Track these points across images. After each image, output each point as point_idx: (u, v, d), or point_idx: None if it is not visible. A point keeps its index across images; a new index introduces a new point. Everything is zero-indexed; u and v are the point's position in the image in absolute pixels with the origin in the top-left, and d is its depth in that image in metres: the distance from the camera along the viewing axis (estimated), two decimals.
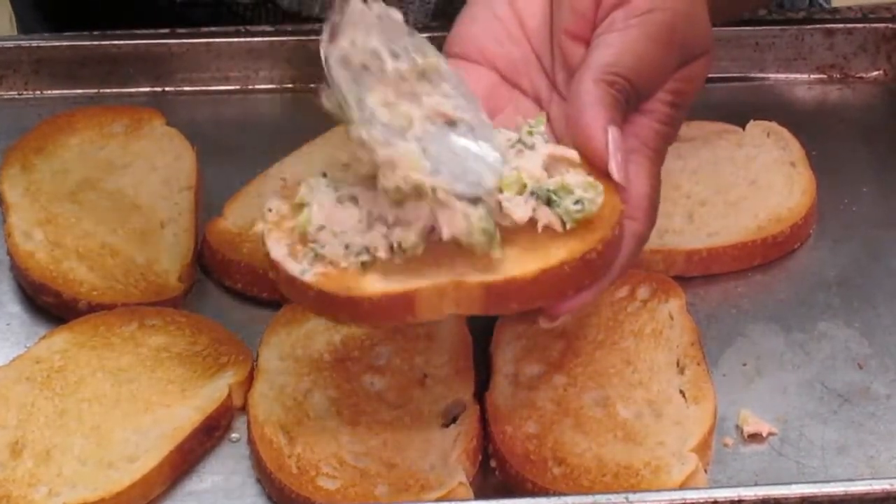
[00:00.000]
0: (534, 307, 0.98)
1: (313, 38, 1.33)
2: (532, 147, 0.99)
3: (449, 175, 0.96)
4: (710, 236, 1.20)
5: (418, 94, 0.99)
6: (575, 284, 0.96)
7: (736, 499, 1.00)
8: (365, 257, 0.96)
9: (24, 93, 1.36)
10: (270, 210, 1.00)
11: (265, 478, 1.05)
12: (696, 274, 1.19)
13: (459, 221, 0.95)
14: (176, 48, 1.35)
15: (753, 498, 1.00)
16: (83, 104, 1.33)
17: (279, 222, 0.99)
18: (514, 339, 1.12)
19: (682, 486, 1.02)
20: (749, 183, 1.24)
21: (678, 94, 1.04)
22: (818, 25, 1.37)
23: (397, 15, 1.00)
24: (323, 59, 0.97)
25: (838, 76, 1.38)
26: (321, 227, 0.97)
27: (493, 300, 0.96)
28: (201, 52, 1.36)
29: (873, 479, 1.03)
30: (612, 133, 0.98)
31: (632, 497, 1.00)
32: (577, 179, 0.97)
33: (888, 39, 1.37)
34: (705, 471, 1.05)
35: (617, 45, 1.01)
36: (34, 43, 1.35)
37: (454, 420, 1.07)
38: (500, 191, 0.96)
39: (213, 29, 1.37)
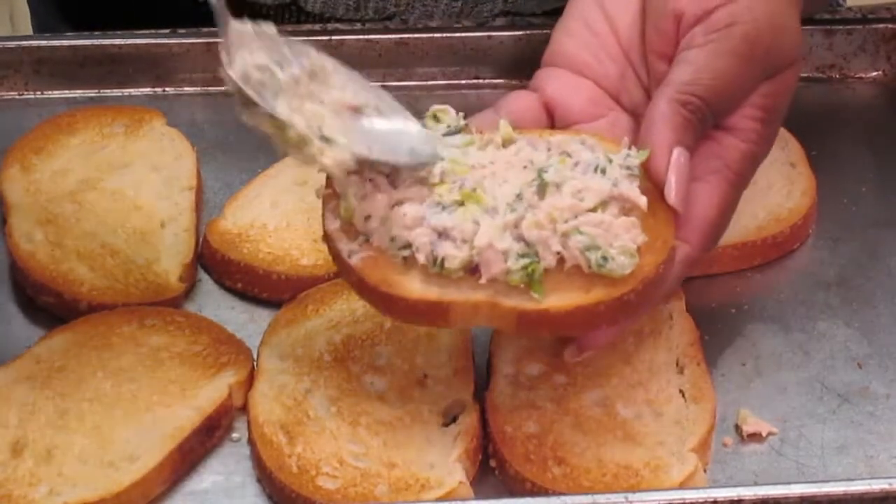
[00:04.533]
0: (565, 335, 0.99)
1: (314, 38, 1.34)
2: (604, 173, 0.98)
3: (384, 153, 0.97)
4: None
5: (316, 94, 0.99)
6: (609, 320, 0.97)
7: (735, 498, 1.00)
8: (406, 253, 0.97)
9: (25, 93, 1.36)
10: (330, 178, 0.99)
11: (265, 477, 1.05)
12: (696, 274, 1.19)
13: (499, 264, 0.95)
14: (176, 48, 1.35)
15: (753, 497, 1.00)
16: (83, 104, 1.33)
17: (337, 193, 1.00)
18: (514, 338, 1.12)
19: (682, 486, 1.02)
20: (749, 183, 1.24)
21: (766, 109, 1.03)
22: (818, 26, 1.37)
23: (271, 28, 1.01)
24: (231, 80, 0.98)
25: (838, 76, 1.38)
26: (368, 217, 0.98)
27: (526, 325, 0.97)
28: (202, 53, 1.36)
29: (872, 478, 1.03)
30: (676, 154, 0.97)
31: (631, 497, 1.00)
32: (622, 234, 0.96)
33: (888, 40, 1.37)
34: (705, 470, 1.05)
35: (694, 62, 1.01)
36: (34, 43, 1.35)
37: (454, 420, 1.07)
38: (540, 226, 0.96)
39: (213, 29, 1.36)
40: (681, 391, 1.09)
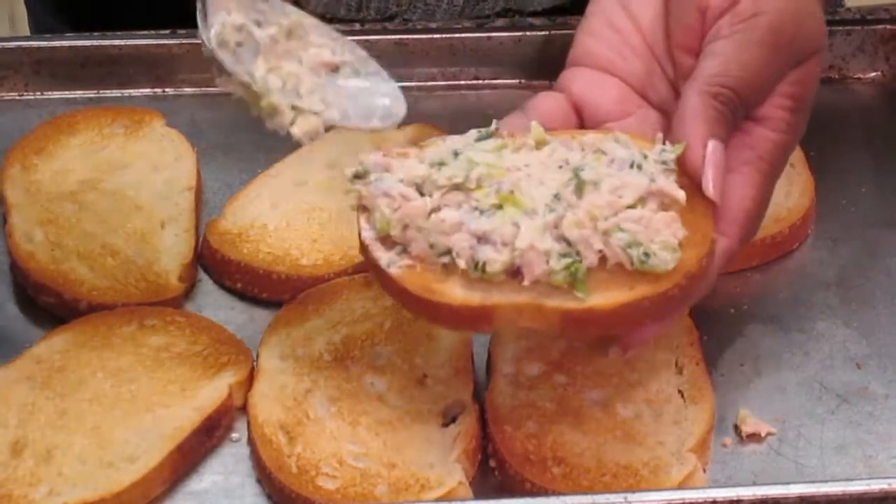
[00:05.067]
0: (610, 333, 0.99)
1: None
2: (640, 168, 0.98)
3: (357, 117, 0.98)
4: None
5: (293, 53, 1.00)
6: (654, 316, 0.97)
7: (734, 498, 1.00)
8: (447, 259, 0.96)
9: (25, 94, 1.36)
10: (361, 190, 1.00)
11: (265, 478, 1.05)
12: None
13: (541, 265, 0.95)
14: (176, 49, 1.36)
15: (752, 497, 1.01)
16: (83, 105, 1.34)
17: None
18: (513, 338, 1.12)
19: (681, 486, 1.03)
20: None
21: (795, 98, 1.03)
22: None
23: None
24: (207, 47, 0.98)
25: (837, 77, 1.39)
26: (405, 226, 0.97)
27: (570, 325, 0.96)
28: (201, 53, 1.36)
29: (871, 478, 1.03)
30: (711, 147, 0.97)
31: (631, 497, 1.00)
32: (663, 229, 0.96)
33: (886, 41, 1.37)
34: (704, 470, 1.06)
35: (722, 54, 1.01)
36: (35, 44, 1.36)
37: (454, 420, 1.08)
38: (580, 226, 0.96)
39: None
40: (680, 391, 1.09)
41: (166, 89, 1.37)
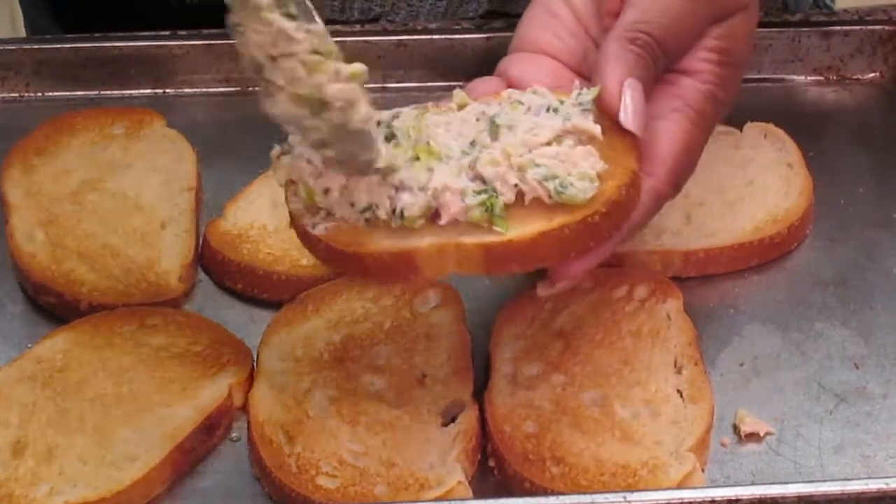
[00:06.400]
0: (536, 268, 0.98)
1: None
2: (556, 111, 0.99)
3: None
4: (707, 237, 1.21)
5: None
6: (578, 246, 0.96)
7: (733, 498, 1.01)
8: (368, 214, 0.97)
9: (26, 94, 1.36)
10: (286, 164, 1.01)
11: (265, 477, 1.05)
12: (694, 274, 1.20)
13: (457, 203, 0.95)
14: (176, 50, 1.36)
15: (750, 497, 1.01)
16: (84, 106, 1.34)
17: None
18: (512, 338, 1.13)
19: (680, 486, 1.03)
20: (746, 184, 1.25)
21: (722, 52, 1.05)
22: (815, 28, 1.37)
23: None
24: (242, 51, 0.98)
25: (835, 78, 1.39)
26: (327, 190, 0.98)
27: (493, 261, 0.96)
28: (202, 54, 1.36)
29: (869, 478, 1.03)
30: (627, 84, 0.98)
31: (630, 497, 1.00)
32: (580, 162, 0.96)
33: (885, 41, 1.38)
34: (703, 470, 1.06)
35: (640, 3, 1.03)
36: (35, 45, 1.36)
37: (453, 420, 1.08)
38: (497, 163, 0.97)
39: (213, 31, 1.38)
40: (679, 391, 1.09)
41: (167, 90, 1.37)
